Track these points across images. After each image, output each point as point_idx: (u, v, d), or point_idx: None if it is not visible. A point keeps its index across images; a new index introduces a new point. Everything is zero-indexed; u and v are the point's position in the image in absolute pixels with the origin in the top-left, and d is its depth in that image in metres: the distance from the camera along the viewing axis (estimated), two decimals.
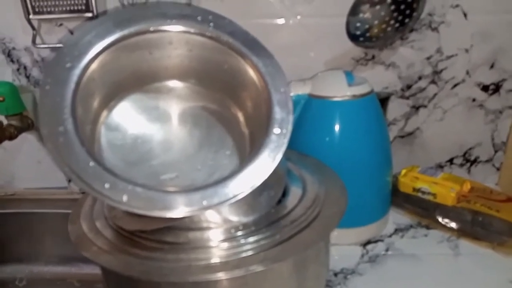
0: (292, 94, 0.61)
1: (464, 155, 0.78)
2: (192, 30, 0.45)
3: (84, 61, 0.41)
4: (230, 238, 0.40)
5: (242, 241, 0.40)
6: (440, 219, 0.65)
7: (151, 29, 0.44)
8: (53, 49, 0.73)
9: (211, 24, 0.45)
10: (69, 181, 0.83)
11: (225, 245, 0.40)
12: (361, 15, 0.62)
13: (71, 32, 0.72)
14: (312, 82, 0.62)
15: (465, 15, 0.68)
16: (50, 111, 0.38)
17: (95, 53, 0.42)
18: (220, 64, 0.47)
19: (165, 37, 0.45)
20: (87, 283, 0.78)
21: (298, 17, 0.69)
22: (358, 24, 0.62)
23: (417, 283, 0.56)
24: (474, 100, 0.74)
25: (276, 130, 0.41)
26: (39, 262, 0.80)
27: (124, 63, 0.45)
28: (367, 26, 0.63)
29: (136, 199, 0.35)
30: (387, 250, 0.63)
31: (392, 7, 0.62)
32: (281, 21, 0.70)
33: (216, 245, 0.40)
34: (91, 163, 0.36)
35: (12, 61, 0.75)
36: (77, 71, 0.41)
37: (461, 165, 0.79)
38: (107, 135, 0.45)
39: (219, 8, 0.46)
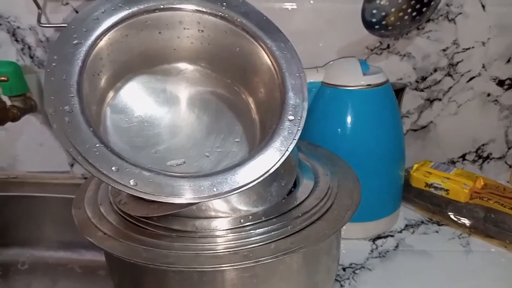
0: None
1: (476, 151, 0.76)
2: (204, 9, 0.43)
3: (92, 38, 0.40)
4: (238, 227, 0.39)
5: (252, 231, 0.38)
6: (452, 216, 0.64)
7: (161, 6, 0.42)
8: (58, 28, 0.71)
9: (224, 3, 0.44)
10: (72, 165, 0.82)
11: (234, 235, 0.38)
12: (377, 1, 0.60)
13: (77, 12, 0.70)
14: (325, 70, 0.60)
15: (483, 6, 0.66)
16: (55, 90, 0.37)
17: (102, 30, 0.40)
18: (232, 46, 0.45)
19: (175, 16, 0.43)
20: (89, 269, 0.77)
21: (311, 1, 0.67)
22: (374, 11, 0.60)
23: (427, 280, 0.54)
24: (489, 95, 0.72)
25: (290, 117, 0.40)
26: (41, 247, 0.79)
27: (133, 42, 0.43)
28: (383, 14, 0.60)
29: (144, 184, 0.34)
30: (397, 245, 0.61)
31: None
32: (292, 5, 0.68)
33: (224, 234, 0.38)
34: (98, 145, 0.35)
35: (16, 40, 0.73)
36: (84, 48, 0.39)
37: (474, 161, 0.77)
38: (112, 117, 0.43)
39: None
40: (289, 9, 0.68)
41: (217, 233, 0.38)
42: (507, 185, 0.74)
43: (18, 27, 0.73)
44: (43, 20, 0.70)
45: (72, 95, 0.37)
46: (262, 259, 0.35)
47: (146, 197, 0.34)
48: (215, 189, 0.35)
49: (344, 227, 0.42)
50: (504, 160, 0.77)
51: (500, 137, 0.75)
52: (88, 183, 0.48)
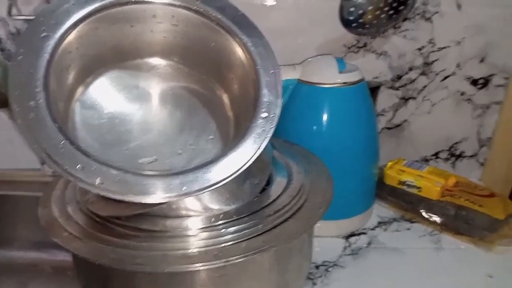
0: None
1: (449, 149, 0.78)
2: (178, 3, 0.42)
3: (61, 31, 0.39)
4: (210, 227, 0.39)
5: (223, 230, 0.38)
6: (424, 213, 0.65)
7: None
8: (29, 20, 0.69)
9: None
10: (43, 163, 0.80)
11: (205, 234, 0.38)
12: None
13: (48, 3, 0.68)
14: (302, 67, 0.60)
15: (459, 6, 0.67)
16: (21, 84, 0.36)
17: (72, 23, 0.39)
18: (206, 41, 0.44)
19: (148, 9, 0.42)
20: (60, 269, 0.75)
21: None
22: (352, 9, 0.60)
23: (399, 277, 0.55)
24: (462, 93, 0.73)
25: (264, 114, 0.39)
26: (11, 247, 0.77)
27: (104, 36, 0.42)
28: (361, 12, 0.60)
29: (110, 182, 0.33)
30: (369, 243, 0.62)
31: None
32: (272, 2, 0.67)
33: (195, 234, 0.38)
34: (63, 141, 0.34)
35: None
36: (52, 41, 0.38)
37: (446, 159, 0.78)
38: (82, 113, 0.42)
39: None
40: (268, 5, 0.67)
41: (188, 232, 0.38)
42: (479, 183, 0.76)
43: None
44: (13, 11, 0.68)
45: (38, 89, 0.35)
46: (232, 258, 0.35)
47: (113, 197, 0.33)
48: (185, 188, 0.35)
49: (318, 225, 0.43)
50: (476, 158, 0.78)
51: (472, 136, 0.77)
52: (56, 182, 0.46)
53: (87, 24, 0.40)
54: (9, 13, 0.67)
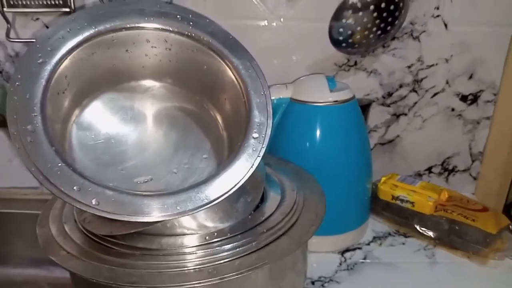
0: (273, 97, 0.60)
1: (442, 164, 0.79)
2: (170, 28, 0.44)
3: (57, 57, 0.40)
4: (204, 244, 0.39)
5: (217, 248, 0.39)
6: (418, 228, 0.65)
7: (128, 25, 0.43)
8: (27, 43, 0.70)
9: (191, 23, 0.44)
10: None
11: (200, 252, 0.38)
12: (344, 20, 0.62)
13: (47, 27, 0.70)
14: (294, 86, 0.61)
15: (445, 25, 0.69)
16: (18, 109, 0.37)
17: (68, 49, 0.40)
18: (199, 64, 0.46)
19: (142, 35, 0.44)
20: (58, 286, 0.75)
21: (281, 19, 0.69)
22: (341, 30, 0.62)
23: None
24: (453, 109, 0.75)
25: (255, 134, 0.41)
26: (9, 264, 0.77)
27: (99, 60, 0.44)
28: (349, 32, 0.62)
29: (106, 203, 0.34)
30: (365, 258, 0.62)
31: (375, 14, 0.62)
32: (263, 23, 0.69)
33: (190, 252, 0.39)
34: (60, 164, 0.35)
35: None
36: (48, 67, 0.39)
37: (439, 174, 0.79)
38: (78, 135, 0.43)
39: (201, 8, 0.46)
40: (260, 26, 0.69)
41: (183, 250, 0.39)
42: (472, 197, 0.76)
43: None
44: (12, 34, 0.70)
45: (35, 114, 0.37)
46: (226, 276, 0.36)
47: (108, 216, 0.34)
48: (178, 207, 0.35)
49: (313, 240, 0.43)
50: (469, 173, 0.79)
51: (464, 150, 0.78)
52: (54, 201, 0.47)
53: (83, 50, 0.42)
54: (8, 36, 0.69)
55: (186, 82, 0.48)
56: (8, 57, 0.73)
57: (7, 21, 0.68)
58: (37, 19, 0.70)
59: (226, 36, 0.45)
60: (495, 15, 0.68)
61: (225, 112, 0.48)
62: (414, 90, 0.73)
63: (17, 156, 0.76)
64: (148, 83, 0.48)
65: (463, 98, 0.74)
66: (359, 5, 0.61)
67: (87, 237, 0.40)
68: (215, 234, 0.40)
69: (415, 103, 0.74)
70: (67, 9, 0.67)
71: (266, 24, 0.69)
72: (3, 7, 0.67)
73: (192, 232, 0.40)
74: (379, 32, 0.62)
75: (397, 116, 0.75)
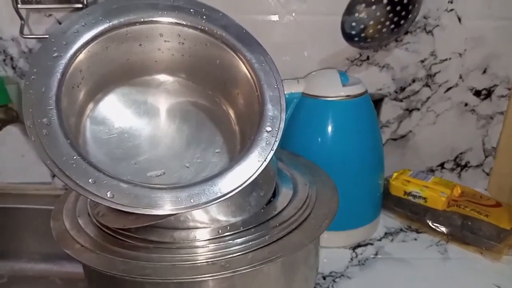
0: (285, 92, 0.60)
1: (455, 159, 0.78)
2: (184, 22, 0.44)
3: (71, 51, 0.40)
4: (217, 238, 0.39)
5: (230, 241, 0.39)
6: (430, 223, 0.65)
7: (142, 19, 0.43)
8: (41, 39, 0.71)
9: (204, 17, 0.44)
10: (53, 176, 0.81)
11: (212, 245, 0.39)
12: (356, 14, 0.62)
13: (60, 23, 0.70)
14: (306, 81, 0.61)
15: (459, 19, 0.68)
16: (34, 102, 0.37)
17: (82, 43, 0.41)
18: (212, 58, 0.46)
19: (156, 29, 0.44)
20: (70, 281, 0.76)
21: (293, 14, 0.68)
22: (354, 24, 0.62)
23: (406, 287, 0.55)
24: (466, 104, 0.74)
25: (268, 128, 0.40)
26: (21, 259, 0.78)
27: (113, 54, 0.44)
28: (362, 26, 0.62)
29: (121, 196, 0.34)
30: (376, 253, 0.62)
31: (388, 8, 0.61)
32: (275, 17, 0.69)
33: (203, 245, 0.39)
34: (75, 157, 0.35)
35: None
36: (63, 61, 0.39)
37: (452, 169, 0.79)
38: (92, 128, 0.43)
39: (213, 2, 0.45)
40: (272, 21, 0.69)
41: (195, 243, 0.39)
42: (485, 192, 0.76)
43: (1, 38, 0.72)
44: (26, 31, 0.70)
45: (50, 107, 0.37)
46: (239, 269, 0.36)
47: (123, 209, 0.34)
48: (192, 200, 0.36)
49: (325, 236, 0.43)
50: (482, 168, 0.79)
51: (477, 146, 0.77)
52: (68, 195, 0.48)
53: (97, 44, 0.42)
54: (21, 32, 0.69)
55: (199, 76, 0.48)
56: (22, 54, 0.73)
57: (21, 18, 0.69)
58: (50, 15, 0.70)
59: (239, 30, 0.45)
60: (510, 9, 0.67)
61: (238, 106, 0.47)
62: (427, 85, 0.72)
63: (29, 151, 0.78)
64: (161, 77, 0.48)
65: (477, 93, 0.73)
66: None
67: (101, 231, 0.41)
68: (228, 227, 0.40)
69: (428, 98, 0.73)
70: (80, 5, 0.67)
71: (278, 18, 0.69)
72: (17, 3, 0.67)
73: (205, 225, 0.40)
74: (392, 26, 0.62)
75: (409, 111, 0.74)
